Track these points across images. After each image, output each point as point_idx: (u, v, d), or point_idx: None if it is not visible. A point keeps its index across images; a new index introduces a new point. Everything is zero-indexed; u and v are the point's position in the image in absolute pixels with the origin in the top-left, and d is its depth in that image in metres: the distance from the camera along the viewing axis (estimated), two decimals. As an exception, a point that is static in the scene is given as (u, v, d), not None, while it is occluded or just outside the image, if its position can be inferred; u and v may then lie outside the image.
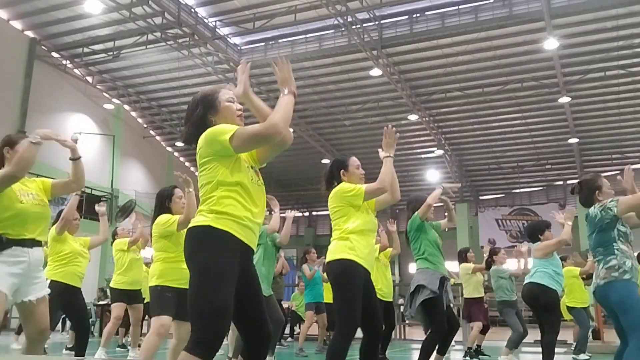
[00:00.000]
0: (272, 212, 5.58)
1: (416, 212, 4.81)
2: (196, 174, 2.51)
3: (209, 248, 2.24)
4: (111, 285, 6.68)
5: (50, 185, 3.43)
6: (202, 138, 2.39)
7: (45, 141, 3.17)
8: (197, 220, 2.33)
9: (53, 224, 5.07)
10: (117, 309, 6.48)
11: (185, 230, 2.44)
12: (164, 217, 4.23)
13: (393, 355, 7.63)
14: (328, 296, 9.00)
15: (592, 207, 3.67)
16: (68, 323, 11.86)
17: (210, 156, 2.37)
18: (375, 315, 3.53)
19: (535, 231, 5.55)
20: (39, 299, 3.23)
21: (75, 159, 3.44)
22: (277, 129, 2.26)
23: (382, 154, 3.71)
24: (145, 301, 7.14)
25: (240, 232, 2.32)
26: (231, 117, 2.48)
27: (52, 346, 8.59)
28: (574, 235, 5.71)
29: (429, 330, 4.59)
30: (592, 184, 3.78)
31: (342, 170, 3.70)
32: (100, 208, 5.29)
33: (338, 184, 3.70)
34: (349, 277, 3.37)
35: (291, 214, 5.85)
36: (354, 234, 3.47)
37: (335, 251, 3.46)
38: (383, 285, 6.18)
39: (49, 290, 3.37)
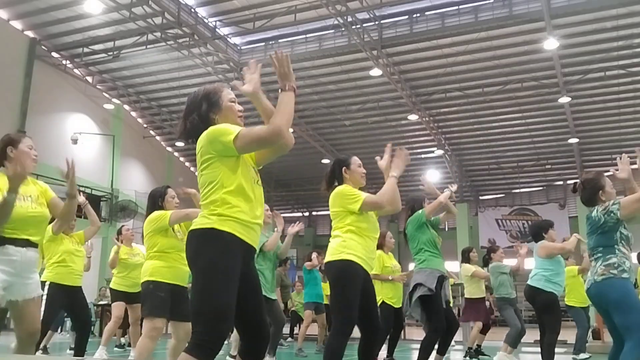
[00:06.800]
0: (275, 230, 5.64)
1: (421, 210, 4.77)
2: (196, 174, 2.51)
3: (212, 249, 2.25)
4: (111, 286, 6.64)
5: (50, 199, 3.37)
6: (204, 137, 2.39)
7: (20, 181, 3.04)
8: (200, 223, 2.33)
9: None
10: (117, 308, 6.45)
11: (187, 234, 2.45)
12: (155, 214, 4.21)
13: (393, 355, 7.60)
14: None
15: (595, 210, 3.61)
16: (67, 323, 11.86)
17: (212, 155, 2.37)
18: (374, 315, 3.56)
19: (540, 229, 5.57)
20: (28, 300, 3.18)
21: (71, 196, 3.32)
22: (280, 133, 2.28)
23: (384, 167, 3.66)
24: None
25: (243, 233, 2.34)
26: (233, 117, 2.51)
27: (52, 346, 8.59)
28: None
29: (428, 329, 4.58)
30: (594, 184, 3.73)
31: (344, 168, 3.70)
32: (80, 199, 5.15)
33: (339, 183, 3.69)
34: (347, 277, 3.40)
35: (293, 230, 5.90)
36: (351, 233, 3.48)
37: (333, 251, 3.49)
38: (394, 294, 6.14)
39: (41, 292, 3.33)
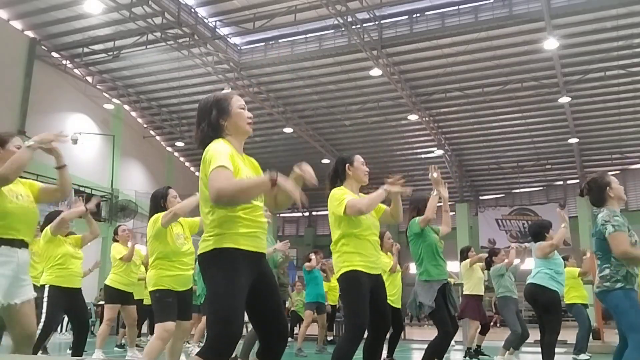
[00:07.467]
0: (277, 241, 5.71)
1: (416, 218, 4.69)
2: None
3: (216, 267, 2.41)
4: (107, 282, 6.41)
5: (38, 190, 3.32)
6: (203, 156, 2.46)
7: (43, 145, 3.05)
8: (202, 247, 2.46)
9: (44, 225, 5.05)
10: (110, 310, 6.37)
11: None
12: (152, 218, 4.23)
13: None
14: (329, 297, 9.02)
15: (600, 213, 3.62)
16: (67, 324, 11.86)
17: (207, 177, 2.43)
18: (383, 317, 3.61)
19: (541, 229, 5.57)
20: (25, 302, 3.11)
21: (60, 167, 3.26)
22: (220, 197, 2.28)
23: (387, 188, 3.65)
24: (144, 302, 7.12)
25: (245, 244, 2.43)
26: (242, 124, 2.59)
27: (52, 346, 8.59)
28: (574, 235, 5.79)
29: (437, 333, 4.55)
30: (600, 182, 3.76)
31: (347, 165, 3.73)
32: (90, 205, 4.97)
33: (342, 181, 3.71)
34: (352, 286, 3.53)
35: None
36: (345, 246, 3.57)
37: (336, 268, 3.66)
38: (392, 293, 6.13)
39: (35, 294, 3.27)
